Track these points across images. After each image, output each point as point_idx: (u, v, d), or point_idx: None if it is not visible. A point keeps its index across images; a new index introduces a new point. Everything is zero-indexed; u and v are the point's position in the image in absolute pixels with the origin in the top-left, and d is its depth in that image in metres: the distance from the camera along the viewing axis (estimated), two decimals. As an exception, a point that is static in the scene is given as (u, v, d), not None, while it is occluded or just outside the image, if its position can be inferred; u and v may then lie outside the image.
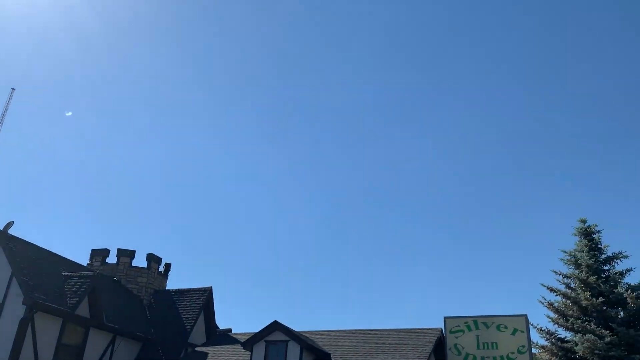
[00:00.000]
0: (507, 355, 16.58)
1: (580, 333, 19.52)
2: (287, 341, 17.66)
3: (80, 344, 18.27)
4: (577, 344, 19.41)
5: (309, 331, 20.64)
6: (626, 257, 21.28)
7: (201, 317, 22.83)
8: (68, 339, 17.86)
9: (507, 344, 16.72)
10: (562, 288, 21.57)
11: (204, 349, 20.89)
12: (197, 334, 22.32)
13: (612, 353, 18.41)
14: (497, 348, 16.74)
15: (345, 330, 20.78)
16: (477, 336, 17.14)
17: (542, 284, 22.11)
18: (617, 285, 20.25)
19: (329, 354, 18.27)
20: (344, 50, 75.81)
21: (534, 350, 19.92)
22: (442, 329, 18.51)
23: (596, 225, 22.27)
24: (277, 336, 17.89)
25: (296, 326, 19.70)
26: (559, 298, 21.53)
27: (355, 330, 20.70)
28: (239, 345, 19.46)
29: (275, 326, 17.97)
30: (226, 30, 77.84)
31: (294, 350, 17.43)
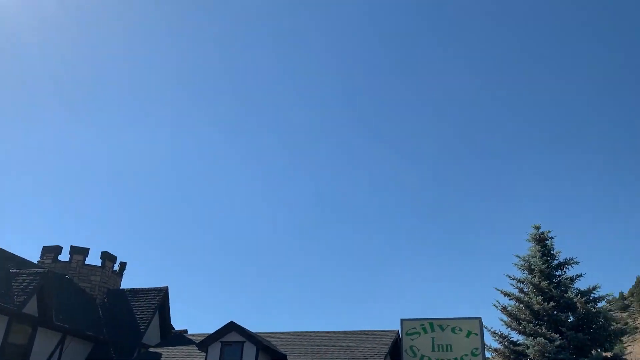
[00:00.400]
0: (461, 357, 16.76)
1: (531, 336, 19.99)
2: (243, 342, 17.46)
3: (27, 344, 17.59)
4: (528, 347, 19.86)
5: (265, 332, 20.48)
6: (577, 263, 21.96)
7: (156, 318, 22.35)
8: (14, 338, 17.16)
9: (461, 346, 16.91)
10: (516, 292, 22.08)
11: (158, 350, 20.44)
12: (152, 335, 21.84)
13: (561, 356, 18.92)
14: (451, 350, 16.91)
15: (302, 332, 20.70)
16: (433, 338, 17.29)
17: (496, 288, 22.59)
18: (568, 290, 20.85)
19: (285, 355, 18.15)
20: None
21: (487, 353, 20.30)
22: (398, 331, 18.63)
23: (549, 232, 22.91)
24: (233, 337, 17.67)
25: (253, 327, 19.51)
26: (512, 302, 22.03)
27: (312, 332, 20.64)
28: (194, 346, 19.14)
29: (231, 327, 17.74)
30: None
31: (249, 351, 17.25)
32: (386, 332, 19.37)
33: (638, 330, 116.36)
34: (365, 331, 19.83)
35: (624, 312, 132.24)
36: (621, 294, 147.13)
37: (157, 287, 23.24)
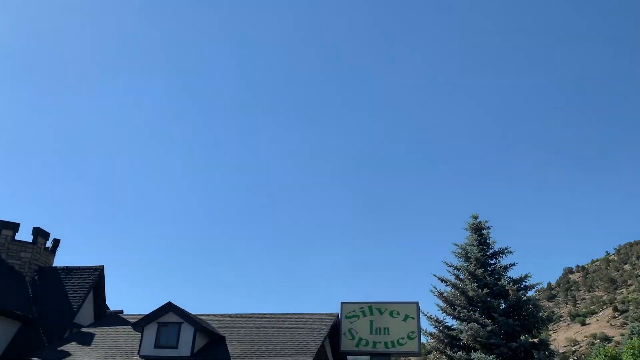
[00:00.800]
0: (398, 341, 17.13)
1: (465, 321, 20.69)
2: (180, 323, 17.14)
3: (-53, 322, 16.58)
4: (461, 332, 20.56)
5: (204, 314, 20.19)
6: (511, 252, 22.86)
7: (90, 297, 21.59)
8: None
9: (398, 329, 17.26)
10: (452, 279, 22.75)
11: (91, 330, 19.78)
12: (85, 315, 21.09)
13: (492, 340, 19.71)
14: (388, 333, 17.23)
15: (241, 314, 20.54)
16: (371, 321, 17.56)
17: (434, 275, 23.21)
18: (501, 278, 21.69)
19: (224, 337, 17.98)
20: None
21: (422, 337, 20.86)
22: (338, 314, 18.80)
23: (486, 222, 23.71)
24: (171, 318, 17.30)
25: (192, 309, 19.19)
26: (448, 288, 22.70)
27: (252, 314, 20.53)
28: (130, 326, 18.63)
29: (168, 307, 17.36)
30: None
31: (187, 332, 16.95)
32: (326, 315, 19.51)
33: (562, 319, 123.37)
34: (305, 314, 19.89)
35: (550, 302, 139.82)
36: (549, 284, 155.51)
37: (92, 266, 22.42)
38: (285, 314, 20.15)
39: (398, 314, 17.57)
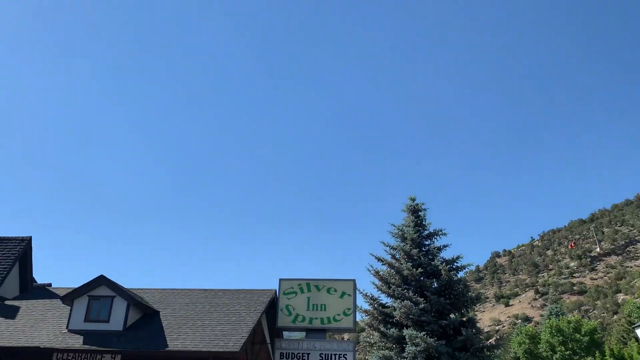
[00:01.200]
0: (334, 317, 17.43)
1: (399, 299, 21.28)
2: (113, 297, 16.67)
3: None
4: (395, 309, 21.15)
5: (139, 288, 19.73)
6: (445, 234, 23.61)
7: (16, 269, 20.55)
8: None
9: (335, 306, 17.56)
10: (388, 258, 23.29)
11: (16, 303, 18.89)
12: (10, 287, 20.07)
13: (424, 318, 20.40)
14: (325, 310, 17.50)
15: (177, 289, 20.24)
16: (309, 298, 17.76)
17: (371, 254, 23.66)
18: (435, 259, 22.41)
19: (158, 312, 17.66)
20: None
21: (358, 314, 21.31)
22: (276, 290, 18.88)
23: (423, 204, 24.33)
24: (103, 291, 16.80)
25: (126, 284, 18.67)
26: (384, 267, 23.23)
27: (188, 289, 20.27)
28: (58, 300, 17.93)
29: (100, 280, 16.83)
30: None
31: (120, 306, 16.52)
32: (264, 291, 19.54)
33: (488, 300, 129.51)
34: (242, 290, 19.84)
35: (478, 284, 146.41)
36: (477, 267, 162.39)
37: (18, 237, 21.32)
38: (223, 289, 20.03)
39: (335, 291, 17.85)
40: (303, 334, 17.88)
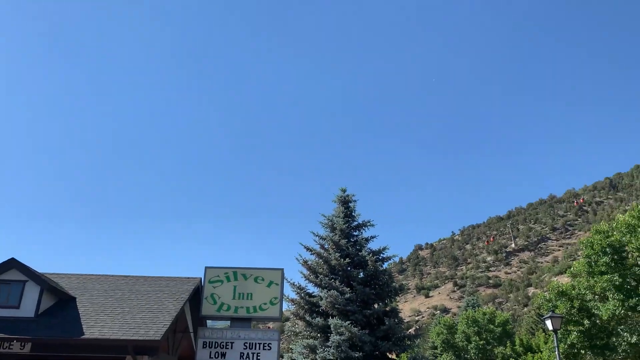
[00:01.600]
0: (260, 306, 17.25)
1: (326, 289, 21.45)
2: (25, 281, 15.61)
3: None
4: (321, 299, 21.30)
5: (55, 273, 18.66)
6: (373, 225, 24.04)
7: None
8: None
9: (261, 295, 17.38)
10: (317, 248, 23.41)
11: None
12: None
13: (349, 307, 20.69)
14: (251, 298, 17.28)
15: (96, 275, 19.32)
16: (235, 287, 17.46)
17: (300, 243, 23.72)
18: (362, 249, 22.76)
19: (74, 298, 16.76)
20: None
21: (284, 303, 21.27)
22: (201, 278, 18.45)
23: (353, 195, 24.63)
24: (13, 275, 15.69)
25: (41, 269, 17.55)
26: (313, 257, 23.34)
27: (108, 275, 19.40)
28: (-38, 284, 16.59)
29: (11, 264, 15.71)
30: None
31: (32, 291, 15.51)
32: (188, 279, 19.03)
33: (409, 291, 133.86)
34: (166, 277, 19.23)
35: (401, 275, 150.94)
36: (401, 259, 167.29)
37: None
38: (145, 276, 19.33)
39: (263, 279, 17.67)
40: (228, 323, 17.61)
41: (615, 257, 22.02)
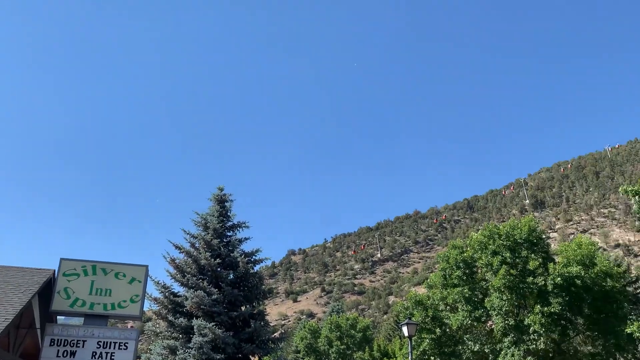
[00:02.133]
0: (119, 303, 16.26)
1: (192, 289, 20.84)
2: None
3: None
4: (187, 299, 20.65)
5: None
6: (248, 227, 23.84)
7: None
8: None
9: (121, 292, 16.39)
10: (187, 246, 22.69)
11: None
12: None
13: (215, 309, 20.29)
14: (110, 295, 16.23)
15: None
16: (93, 281, 16.29)
17: (169, 241, 22.81)
18: (234, 250, 22.48)
19: None
20: None
21: (147, 302, 20.30)
22: (55, 270, 16.99)
23: (230, 195, 24.25)
24: None
25: None
26: (182, 255, 22.57)
27: (-57, 261, 17.15)
28: None
29: None
30: None
31: None
32: (40, 271, 17.42)
33: (278, 295, 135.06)
34: (13, 267, 17.43)
35: (272, 279, 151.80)
36: (273, 263, 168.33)
37: None
38: (-11, 265, 17.38)
39: (124, 275, 16.69)
40: (82, 319, 16.39)
41: (467, 271, 24.01)
